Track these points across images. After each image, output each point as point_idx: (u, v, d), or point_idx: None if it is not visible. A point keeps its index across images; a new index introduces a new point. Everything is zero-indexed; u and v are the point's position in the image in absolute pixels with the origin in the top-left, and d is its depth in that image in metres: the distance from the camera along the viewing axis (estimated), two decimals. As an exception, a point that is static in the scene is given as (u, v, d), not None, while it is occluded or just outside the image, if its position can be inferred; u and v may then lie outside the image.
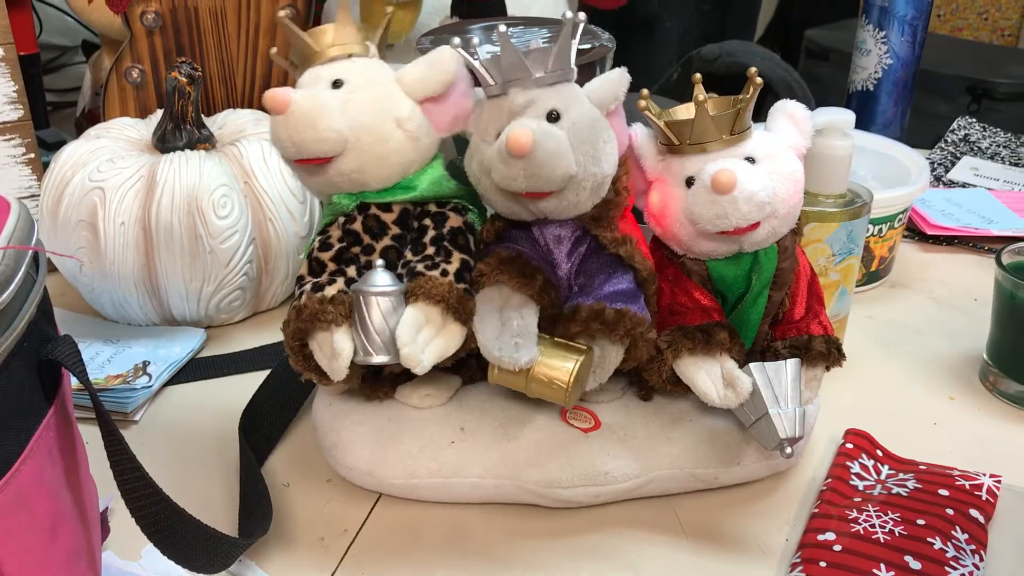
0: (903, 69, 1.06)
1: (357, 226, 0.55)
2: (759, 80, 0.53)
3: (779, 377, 0.54)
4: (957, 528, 0.54)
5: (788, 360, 0.54)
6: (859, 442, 0.62)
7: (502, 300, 0.53)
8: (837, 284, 0.72)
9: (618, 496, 0.58)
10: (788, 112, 0.57)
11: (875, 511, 0.55)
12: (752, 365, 0.54)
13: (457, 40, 0.54)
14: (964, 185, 1.05)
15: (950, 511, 0.55)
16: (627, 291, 0.54)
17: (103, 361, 0.71)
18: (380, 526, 0.57)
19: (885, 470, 0.61)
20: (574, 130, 0.51)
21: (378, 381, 0.59)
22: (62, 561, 0.43)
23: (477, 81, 0.54)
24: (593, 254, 0.55)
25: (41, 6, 1.20)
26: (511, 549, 0.56)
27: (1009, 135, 1.15)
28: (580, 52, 0.56)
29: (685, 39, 1.26)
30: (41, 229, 0.73)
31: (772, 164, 0.54)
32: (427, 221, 0.55)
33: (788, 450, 0.52)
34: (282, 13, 0.57)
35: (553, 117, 0.51)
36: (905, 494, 0.57)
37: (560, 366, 0.52)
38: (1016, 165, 1.10)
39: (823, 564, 0.52)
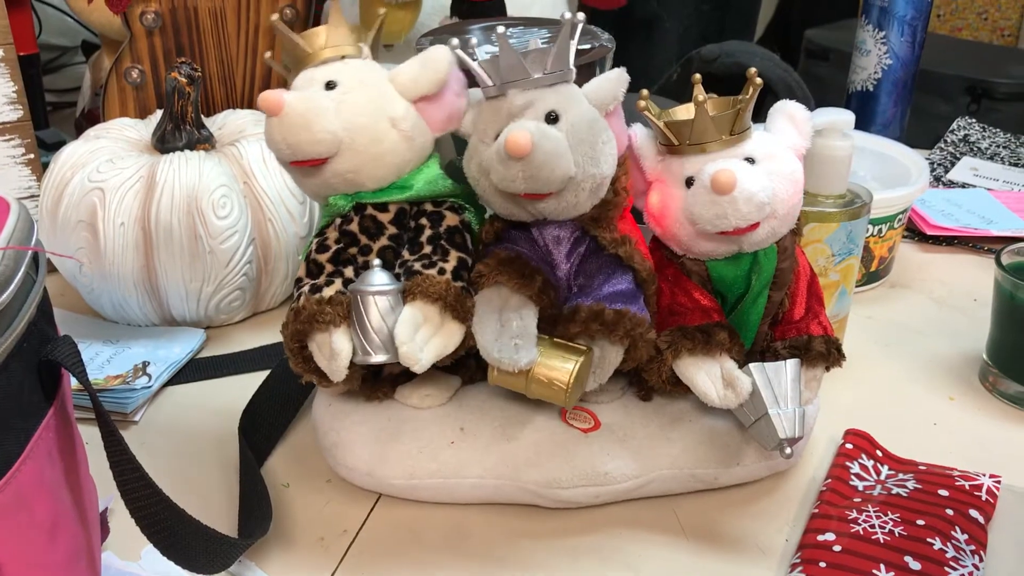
0: (903, 69, 1.06)
1: (354, 227, 0.55)
2: (759, 80, 0.53)
3: (779, 377, 0.54)
4: (957, 528, 0.54)
5: (788, 360, 0.54)
6: (859, 442, 0.62)
7: (501, 301, 0.53)
8: (837, 284, 0.72)
9: (618, 496, 0.58)
10: (788, 112, 0.57)
11: (875, 511, 0.55)
12: (752, 365, 0.54)
13: (456, 41, 0.54)
14: (964, 185, 1.05)
15: (950, 511, 0.55)
16: (626, 291, 0.54)
17: (103, 361, 0.71)
18: (380, 526, 0.57)
19: (885, 470, 0.61)
20: (573, 131, 0.51)
21: (378, 381, 0.59)
22: (62, 561, 0.43)
23: (475, 82, 0.54)
24: (592, 255, 0.55)
25: (41, 6, 1.20)
26: (511, 549, 0.56)
27: (1009, 135, 1.15)
28: (579, 52, 0.56)
29: (684, 39, 1.26)
30: (41, 229, 0.73)
31: (772, 164, 0.54)
32: (423, 220, 0.55)
33: (788, 450, 0.52)
34: (274, 17, 0.57)
35: (552, 118, 0.51)
36: (905, 494, 0.57)
37: (560, 367, 0.52)
38: (1016, 165, 1.10)
39: (823, 564, 0.52)
